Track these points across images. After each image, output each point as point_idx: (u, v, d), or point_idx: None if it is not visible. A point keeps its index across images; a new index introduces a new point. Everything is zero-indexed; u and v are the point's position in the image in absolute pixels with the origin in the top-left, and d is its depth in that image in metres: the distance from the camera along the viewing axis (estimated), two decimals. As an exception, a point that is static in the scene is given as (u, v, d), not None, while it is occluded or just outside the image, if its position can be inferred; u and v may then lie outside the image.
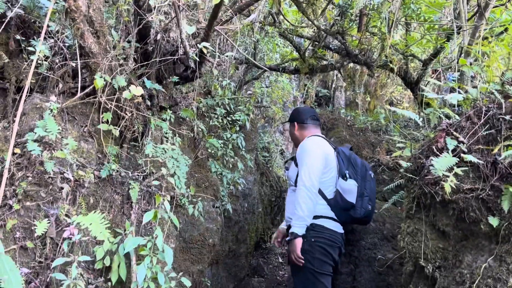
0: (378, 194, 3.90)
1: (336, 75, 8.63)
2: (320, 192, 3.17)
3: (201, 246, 3.72)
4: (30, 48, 2.75)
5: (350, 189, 3.12)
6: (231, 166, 4.51)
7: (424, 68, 5.20)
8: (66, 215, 2.32)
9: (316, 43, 5.44)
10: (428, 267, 2.10)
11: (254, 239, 5.43)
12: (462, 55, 4.05)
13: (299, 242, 2.99)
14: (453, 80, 2.69)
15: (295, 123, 3.56)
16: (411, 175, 2.15)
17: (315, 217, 3.11)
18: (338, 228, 3.15)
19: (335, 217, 3.15)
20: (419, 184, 2.09)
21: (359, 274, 3.64)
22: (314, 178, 3.03)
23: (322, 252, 3.04)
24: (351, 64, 8.46)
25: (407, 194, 2.25)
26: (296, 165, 3.27)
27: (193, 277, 3.67)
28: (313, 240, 3.06)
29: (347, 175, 3.15)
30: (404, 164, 2.21)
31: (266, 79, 7.29)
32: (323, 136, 3.45)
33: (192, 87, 4.22)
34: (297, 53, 5.87)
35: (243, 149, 4.68)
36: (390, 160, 3.92)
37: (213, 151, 4.25)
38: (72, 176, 2.45)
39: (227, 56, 3.70)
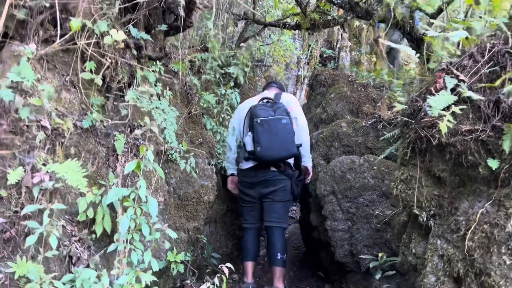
0: (377, 150, 3.76)
1: (341, 34, 8.33)
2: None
3: (196, 203, 3.66)
4: (4, -10, 2.57)
5: (246, 141, 3.92)
6: (227, 123, 4.37)
7: (432, 23, 4.94)
8: (43, 164, 2.21)
9: (319, -4, 5.17)
10: (423, 215, 1.98)
11: (253, 198, 5.35)
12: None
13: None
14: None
15: None
16: (407, 119, 1.99)
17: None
18: (246, 164, 4.03)
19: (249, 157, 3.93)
20: (415, 128, 1.93)
21: (356, 231, 3.55)
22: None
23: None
24: (357, 23, 8.14)
25: (402, 140, 2.10)
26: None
27: (189, 234, 3.62)
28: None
29: (246, 129, 3.95)
30: (399, 106, 2.04)
31: (268, 38, 7.02)
32: (263, 94, 4.14)
33: (185, 40, 4.03)
34: (298, 8, 5.60)
35: (240, 106, 4.53)
36: (391, 115, 3.75)
37: (207, 107, 4.10)
38: (50, 124, 2.33)
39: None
